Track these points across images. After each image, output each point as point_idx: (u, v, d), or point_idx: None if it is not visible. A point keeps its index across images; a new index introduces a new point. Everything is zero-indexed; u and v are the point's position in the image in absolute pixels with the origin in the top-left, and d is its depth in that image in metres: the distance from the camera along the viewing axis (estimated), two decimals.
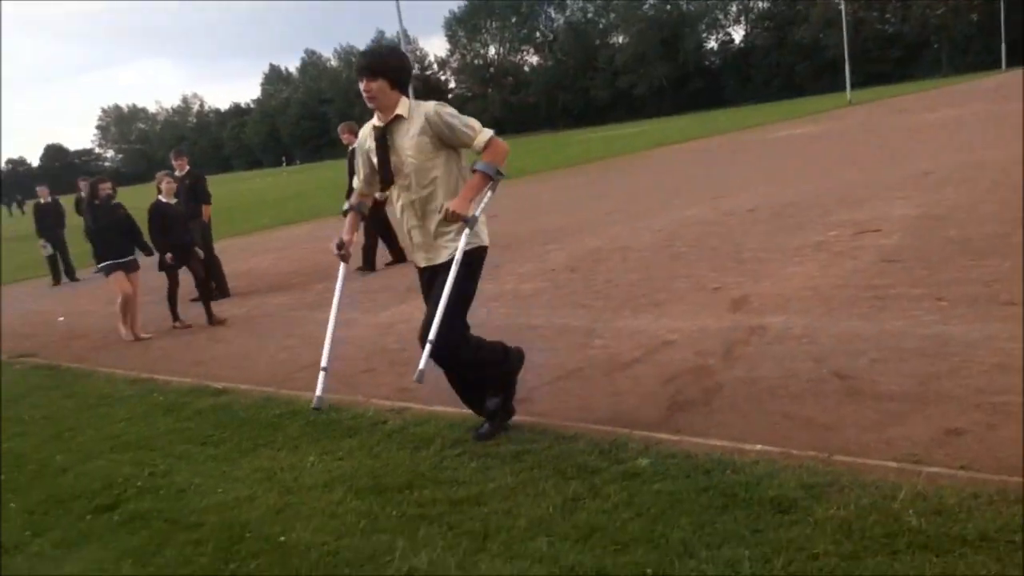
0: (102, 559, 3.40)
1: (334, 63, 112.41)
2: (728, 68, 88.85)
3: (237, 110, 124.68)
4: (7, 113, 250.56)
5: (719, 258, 8.42)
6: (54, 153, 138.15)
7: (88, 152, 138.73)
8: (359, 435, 4.65)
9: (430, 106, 4.00)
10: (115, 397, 6.13)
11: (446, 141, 3.99)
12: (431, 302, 4.09)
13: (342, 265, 4.33)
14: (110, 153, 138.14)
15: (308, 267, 12.01)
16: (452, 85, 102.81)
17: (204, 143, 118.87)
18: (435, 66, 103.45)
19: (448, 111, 4.00)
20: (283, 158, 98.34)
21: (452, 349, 4.05)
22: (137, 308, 8.82)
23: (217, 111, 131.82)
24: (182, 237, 9.00)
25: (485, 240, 4.19)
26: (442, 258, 4.09)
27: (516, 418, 4.54)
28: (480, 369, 4.33)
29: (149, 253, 8.98)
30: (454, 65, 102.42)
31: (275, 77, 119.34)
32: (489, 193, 4.04)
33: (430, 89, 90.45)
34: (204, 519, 3.70)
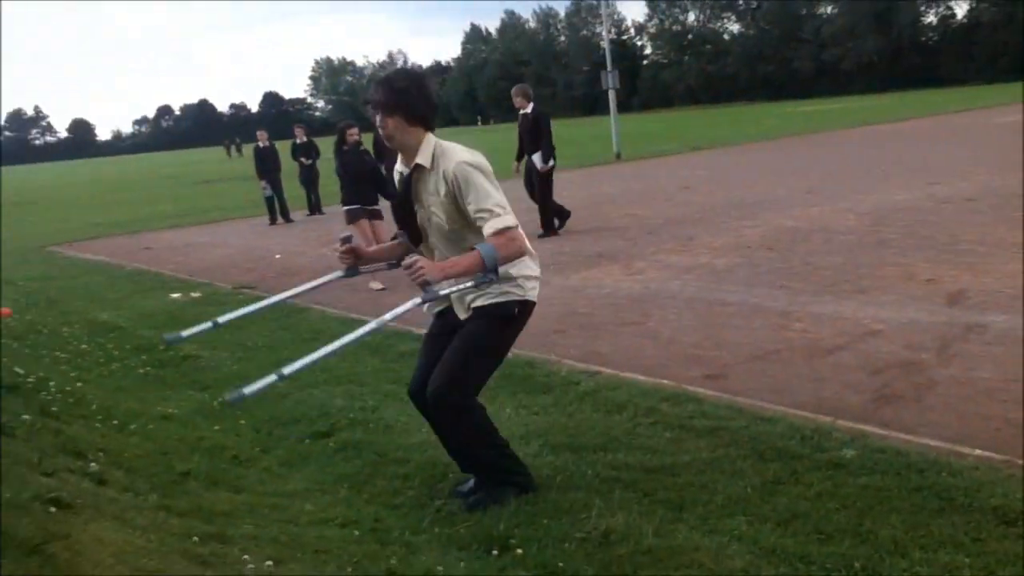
0: (321, 480, 3.71)
1: (532, 25, 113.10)
2: (947, 45, 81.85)
3: (438, 68, 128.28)
4: (233, 58, 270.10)
5: (932, 248, 7.90)
6: (271, 100, 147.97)
7: (301, 101, 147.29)
8: (553, 393, 4.78)
9: (453, 162, 3.18)
10: (326, 333, 6.57)
11: (461, 211, 3.20)
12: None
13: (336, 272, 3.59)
14: (320, 103, 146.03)
15: None
16: (648, 51, 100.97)
17: None
18: (632, 31, 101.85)
19: (471, 175, 3.14)
20: (478, 117, 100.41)
21: (443, 401, 3.30)
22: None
23: (419, 67, 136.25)
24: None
25: (531, 294, 3.40)
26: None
27: (710, 392, 4.51)
28: (471, 447, 3.48)
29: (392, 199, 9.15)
30: (651, 30, 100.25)
31: (475, 36, 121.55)
32: (470, 283, 3.17)
33: (626, 54, 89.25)
34: (410, 456, 3.94)
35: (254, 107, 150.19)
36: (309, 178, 16.76)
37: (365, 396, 4.92)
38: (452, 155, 3.22)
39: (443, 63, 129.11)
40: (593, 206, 13.90)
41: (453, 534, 3.12)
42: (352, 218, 8.78)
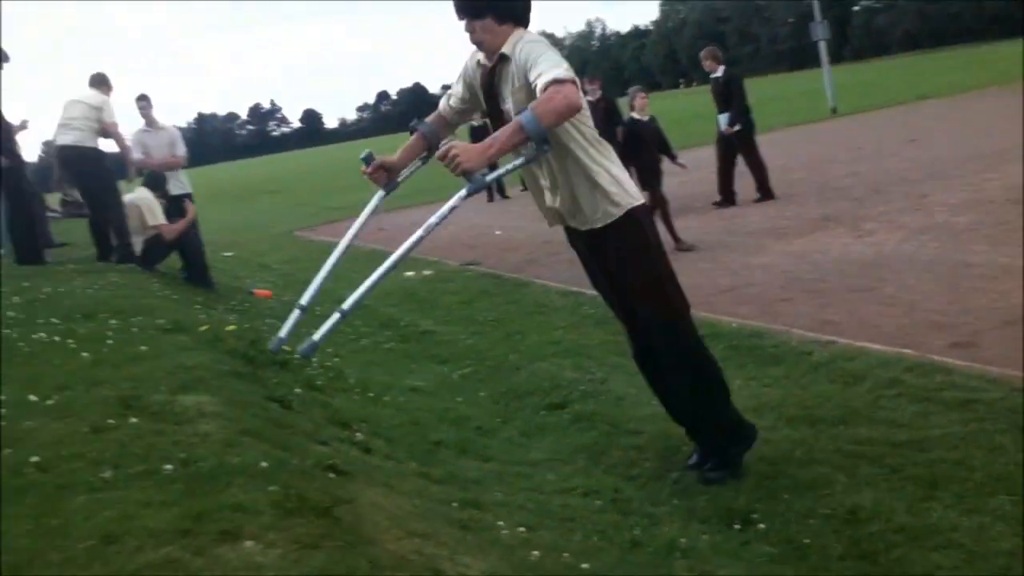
0: (559, 450, 3.88)
1: None
2: None
3: (636, 32, 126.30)
4: (444, 39, 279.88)
5: None
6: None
7: None
8: (784, 364, 4.67)
9: (522, 43, 3.04)
10: (550, 307, 6.79)
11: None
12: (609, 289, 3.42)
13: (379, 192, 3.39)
14: None
15: (713, 191, 11.89)
16: None
17: (606, 67, 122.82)
18: None
19: (534, 47, 2.97)
20: (680, 80, 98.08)
21: (673, 330, 3.25)
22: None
23: (618, 34, 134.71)
24: (653, 159, 8.61)
25: (635, 197, 3.23)
26: (591, 223, 3.23)
27: (958, 362, 4.23)
28: (706, 396, 3.38)
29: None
30: None
31: None
32: (520, 160, 3.01)
33: (834, 1, 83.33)
34: (642, 428, 4.02)
35: None
36: None
37: (593, 368, 5.04)
38: (524, 39, 3.05)
39: (641, 27, 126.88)
40: (812, 166, 13.23)
41: (693, 506, 3.16)
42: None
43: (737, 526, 2.96)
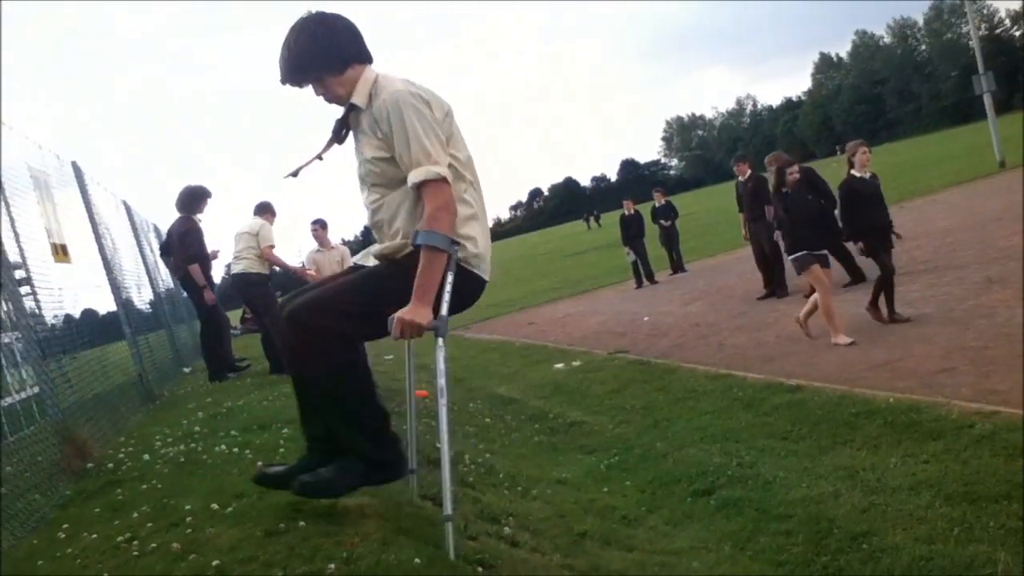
0: (705, 539, 3.88)
1: (887, 40, 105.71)
2: None
3: (788, 104, 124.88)
4: (591, 134, 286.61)
5: None
6: (628, 167, 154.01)
7: (655, 163, 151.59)
8: (944, 439, 4.49)
9: (387, 92, 2.74)
10: (699, 391, 6.78)
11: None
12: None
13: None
14: (674, 162, 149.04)
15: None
16: None
17: (757, 142, 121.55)
18: (1007, 22, 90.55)
19: (404, 111, 2.67)
20: (836, 147, 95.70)
21: (298, 320, 2.78)
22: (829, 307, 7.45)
23: (769, 108, 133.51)
24: (879, 217, 7.68)
25: (472, 262, 2.87)
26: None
27: None
28: (323, 400, 2.95)
29: (844, 239, 8.01)
30: None
31: (825, 65, 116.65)
32: (450, 275, 2.72)
33: (1001, 49, 79.32)
34: (792, 511, 3.96)
35: (613, 176, 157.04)
36: (670, 238, 17.27)
37: (741, 452, 5.01)
38: (388, 86, 2.74)
39: (793, 98, 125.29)
40: (976, 227, 12.58)
41: None
42: (802, 267, 7.58)
43: None
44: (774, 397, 6.02)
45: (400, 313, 2.64)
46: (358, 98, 2.78)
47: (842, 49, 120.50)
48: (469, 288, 2.89)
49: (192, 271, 8.39)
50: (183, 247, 8.45)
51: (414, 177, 2.66)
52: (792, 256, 7.69)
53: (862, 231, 7.64)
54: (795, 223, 7.62)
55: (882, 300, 7.67)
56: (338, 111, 2.92)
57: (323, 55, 2.76)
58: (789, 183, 7.76)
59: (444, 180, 2.67)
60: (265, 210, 8.75)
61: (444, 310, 2.73)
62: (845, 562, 3.37)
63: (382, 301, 2.73)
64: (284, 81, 2.81)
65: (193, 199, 8.61)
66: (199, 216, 8.66)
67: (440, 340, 2.75)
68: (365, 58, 2.84)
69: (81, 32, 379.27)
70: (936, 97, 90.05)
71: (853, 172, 7.83)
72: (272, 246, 8.36)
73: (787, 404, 5.81)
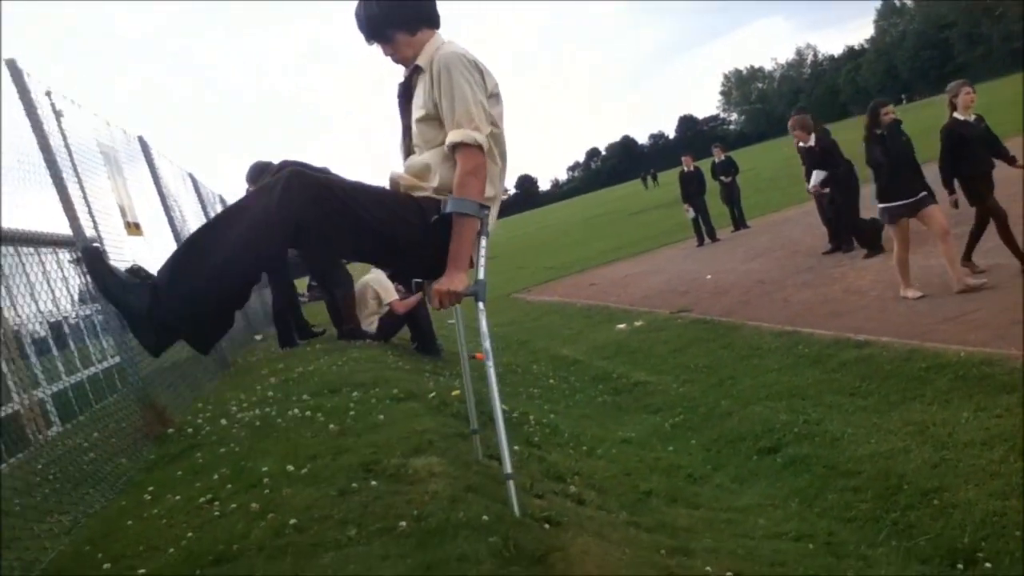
0: (772, 495, 3.89)
1: None
2: None
3: (851, 53, 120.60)
4: (648, 92, 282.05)
5: None
6: (686, 123, 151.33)
7: (714, 118, 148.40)
8: (1018, 391, 4.39)
9: (444, 53, 2.73)
10: (764, 348, 6.71)
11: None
12: None
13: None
14: (734, 116, 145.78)
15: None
16: None
17: (819, 92, 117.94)
18: None
19: (452, 67, 2.67)
20: (902, 96, 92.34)
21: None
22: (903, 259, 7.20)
23: (831, 57, 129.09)
24: (982, 164, 7.28)
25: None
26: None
27: None
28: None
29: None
30: None
31: (888, 11, 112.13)
32: (484, 240, 2.74)
33: None
34: (860, 468, 3.94)
35: (671, 133, 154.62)
36: (731, 195, 16.99)
37: (808, 409, 4.97)
38: (446, 49, 2.75)
39: (856, 47, 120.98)
40: None
41: (912, 547, 3.09)
42: (892, 218, 7.17)
43: (960, 566, 2.87)
44: (841, 353, 5.94)
45: (437, 284, 2.63)
46: (423, 60, 2.77)
47: None
48: None
49: None
50: None
51: (452, 137, 2.64)
52: (884, 205, 7.24)
53: (964, 178, 7.20)
54: (893, 168, 7.11)
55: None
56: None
57: (398, 15, 2.77)
58: (883, 123, 7.28)
59: (480, 147, 2.65)
60: None
61: (481, 274, 2.72)
62: (916, 518, 3.35)
63: (388, 222, 2.64)
64: (370, 39, 2.84)
65: (261, 173, 8.79)
66: None
67: (480, 304, 2.71)
68: (435, 22, 2.85)
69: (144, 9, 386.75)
70: (1007, 38, 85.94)
71: (956, 115, 7.35)
72: None
73: (855, 360, 5.73)
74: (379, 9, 2.78)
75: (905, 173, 7.07)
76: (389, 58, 2.86)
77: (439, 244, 2.65)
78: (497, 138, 2.81)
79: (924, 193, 7.02)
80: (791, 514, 3.57)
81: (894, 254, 7.34)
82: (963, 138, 7.23)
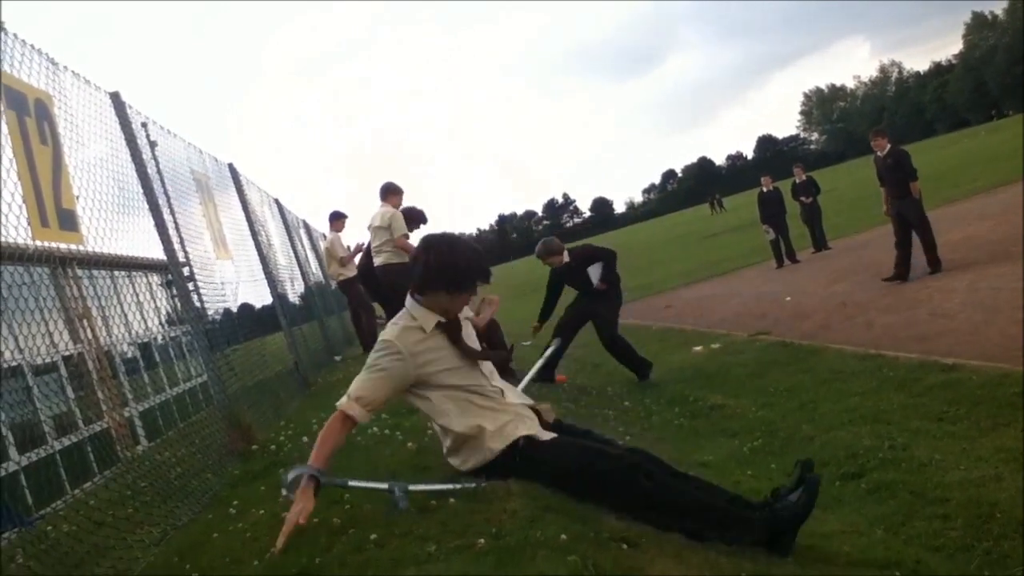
0: (855, 522, 3.77)
1: None
2: None
3: (938, 70, 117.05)
4: (722, 117, 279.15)
5: None
6: (765, 143, 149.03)
7: (795, 138, 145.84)
8: None
9: None
10: (847, 372, 6.55)
11: None
12: None
13: None
14: (814, 136, 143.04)
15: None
16: None
17: (904, 110, 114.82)
18: None
19: None
20: (992, 112, 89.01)
21: None
22: None
23: (916, 74, 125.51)
24: None
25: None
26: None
27: None
28: None
29: None
30: None
31: (979, 25, 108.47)
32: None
33: None
34: (949, 495, 3.80)
35: (749, 153, 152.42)
36: (812, 215, 16.67)
37: (893, 434, 4.83)
38: None
39: (943, 62, 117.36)
40: None
41: None
42: None
43: None
44: (928, 377, 5.76)
45: None
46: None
47: (997, 6, 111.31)
48: None
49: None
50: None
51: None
52: None
53: None
54: None
55: None
56: None
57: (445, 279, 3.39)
58: None
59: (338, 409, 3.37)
60: (389, 192, 8.54)
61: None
62: (1010, 547, 3.22)
63: None
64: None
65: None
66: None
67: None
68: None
69: (232, 35, 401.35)
70: None
71: None
72: (406, 235, 8.28)
73: (942, 384, 5.55)
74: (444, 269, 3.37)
75: None
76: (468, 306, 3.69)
77: None
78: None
79: None
80: (876, 541, 3.47)
81: None
82: None
